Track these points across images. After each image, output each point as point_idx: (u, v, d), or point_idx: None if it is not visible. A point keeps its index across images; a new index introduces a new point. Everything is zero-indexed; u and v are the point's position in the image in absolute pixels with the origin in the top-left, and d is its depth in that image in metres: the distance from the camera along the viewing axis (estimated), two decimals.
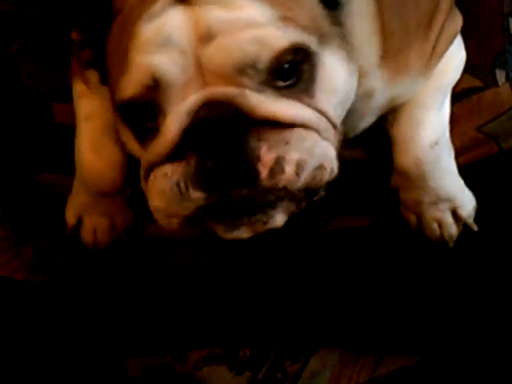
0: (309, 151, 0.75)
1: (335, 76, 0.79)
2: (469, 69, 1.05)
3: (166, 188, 0.76)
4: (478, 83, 1.08)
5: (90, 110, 1.02)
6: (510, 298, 1.04)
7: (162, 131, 0.77)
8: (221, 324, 1.10)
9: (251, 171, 0.73)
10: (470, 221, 1.05)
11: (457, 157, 1.03)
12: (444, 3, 0.97)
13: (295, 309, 1.08)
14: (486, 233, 1.05)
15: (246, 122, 0.73)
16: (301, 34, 0.75)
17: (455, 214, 1.03)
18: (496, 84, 1.08)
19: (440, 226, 1.04)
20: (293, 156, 0.74)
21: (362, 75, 0.86)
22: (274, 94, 0.75)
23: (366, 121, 0.96)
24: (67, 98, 1.06)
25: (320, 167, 0.76)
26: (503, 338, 1.04)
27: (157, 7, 0.77)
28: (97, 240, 1.08)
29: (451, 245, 1.05)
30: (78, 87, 1.04)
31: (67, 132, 1.06)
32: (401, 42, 0.91)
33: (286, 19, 0.75)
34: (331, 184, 0.79)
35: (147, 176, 0.80)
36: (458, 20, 1.01)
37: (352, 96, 0.84)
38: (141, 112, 0.78)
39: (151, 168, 0.79)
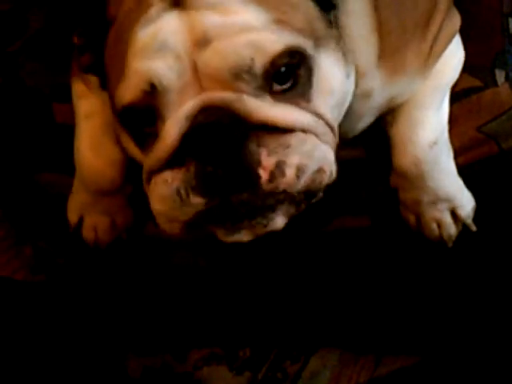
0: (308, 154, 0.76)
1: (332, 79, 0.79)
2: (468, 69, 1.05)
3: (166, 194, 0.76)
4: (477, 83, 1.08)
5: (89, 109, 1.03)
6: (510, 297, 1.04)
7: (161, 136, 0.77)
8: (221, 324, 1.10)
9: (251, 176, 0.73)
10: (469, 221, 1.04)
11: (456, 157, 1.03)
12: (442, 3, 0.96)
13: (295, 309, 1.09)
14: (485, 233, 1.05)
15: (243, 127, 0.73)
16: (296, 37, 0.75)
17: (454, 214, 1.03)
18: (495, 84, 1.08)
19: (439, 226, 1.03)
20: (293, 160, 0.74)
21: (359, 76, 0.86)
22: (271, 98, 0.76)
23: (365, 121, 0.96)
24: (67, 98, 1.06)
25: (320, 170, 0.77)
26: (503, 337, 1.04)
27: (152, 12, 0.77)
28: (98, 238, 1.08)
29: (450, 245, 1.05)
30: (78, 87, 1.04)
31: (67, 132, 1.06)
32: (398, 42, 0.91)
33: (281, 23, 0.75)
34: (330, 185, 0.80)
35: (149, 179, 0.80)
36: (456, 20, 1.01)
37: (349, 98, 0.84)
38: (140, 117, 0.79)
39: (153, 172, 0.79)
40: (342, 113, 0.84)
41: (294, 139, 0.75)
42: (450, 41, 0.99)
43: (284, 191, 0.75)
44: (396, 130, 0.99)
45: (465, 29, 1.02)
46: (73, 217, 1.08)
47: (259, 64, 0.73)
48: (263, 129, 0.74)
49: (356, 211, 1.09)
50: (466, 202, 1.04)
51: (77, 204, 1.08)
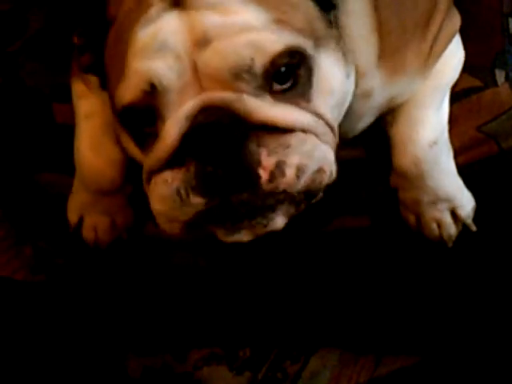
0: (308, 154, 0.76)
1: (332, 79, 0.79)
2: (468, 69, 1.05)
3: (166, 194, 0.77)
4: (477, 83, 1.08)
5: (89, 109, 1.03)
6: (510, 297, 1.04)
7: (161, 136, 0.77)
8: (221, 324, 1.10)
9: (251, 176, 0.73)
10: (469, 221, 1.04)
11: (456, 157, 1.03)
12: (442, 3, 0.96)
13: (295, 309, 1.09)
14: (485, 233, 1.05)
15: (243, 127, 0.73)
16: (296, 37, 0.75)
17: (454, 214, 1.03)
18: (495, 84, 1.08)
19: (439, 225, 1.03)
20: (293, 160, 0.74)
21: (359, 76, 0.87)
22: (271, 98, 0.76)
23: (365, 121, 0.96)
24: (67, 97, 1.06)
25: (320, 170, 0.77)
26: (503, 337, 1.04)
27: (152, 12, 0.77)
28: (98, 238, 1.08)
29: (450, 245, 1.05)
30: (78, 87, 1.04)
31: (67, 132, 1.06)
32: (398, 41, 0.91)
33: (281, 22, 0.75)
34: (330, 185, 0.80)
35: (149, 180, 0.80)
36: (456, 20, 1.01)
37: (349, 98, 0.84)
38: (140, 117, 0.79)
39: (153, 172, 0.79)
40: (342, 113, 0.84)
41: (294, 139, 0.75)
42: (450, 41, 0.99)
43: (284, 191, 0.75)
44: (396, 129, 0.99)
45: (465, 29, 1.02)
46: (73, 217, 1.08)
47: (259, 64, 0.73)
48: (263, 129, 0.74)
49: (356, 211, 1.09)
50: (466, 202, 1.04)
51: (77, 204, 1.08)
